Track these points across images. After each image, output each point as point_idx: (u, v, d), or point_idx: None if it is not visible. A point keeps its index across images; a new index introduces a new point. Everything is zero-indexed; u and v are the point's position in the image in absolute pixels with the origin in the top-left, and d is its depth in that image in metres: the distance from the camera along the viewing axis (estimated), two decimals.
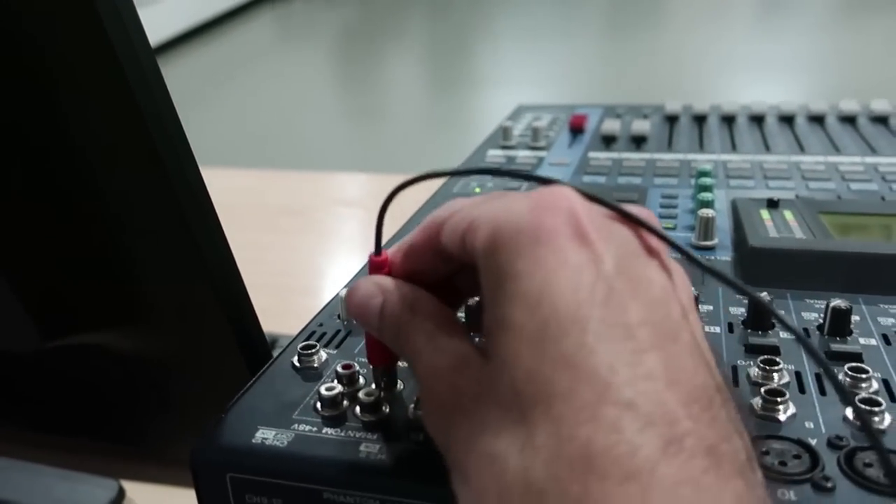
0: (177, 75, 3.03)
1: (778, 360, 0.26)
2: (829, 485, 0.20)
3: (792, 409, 0.24)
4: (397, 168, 0.84)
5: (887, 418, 0.23)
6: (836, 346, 0.27)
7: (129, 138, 0.28)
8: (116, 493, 0.45)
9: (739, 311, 0.30)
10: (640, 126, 0.57)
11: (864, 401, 0.24)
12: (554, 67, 2.75)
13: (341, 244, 0.81)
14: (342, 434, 0.24)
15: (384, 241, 0.25)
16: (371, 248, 0.24)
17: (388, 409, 0.25)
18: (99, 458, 0.45)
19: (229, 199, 0.89)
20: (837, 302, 0.29)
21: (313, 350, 0.28)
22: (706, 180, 0.42)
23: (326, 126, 2.36)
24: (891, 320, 0.29)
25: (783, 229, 0.36)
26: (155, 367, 0.36)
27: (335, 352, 0.29)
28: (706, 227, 0.37)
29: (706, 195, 0.40)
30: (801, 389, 0.25)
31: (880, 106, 0.59)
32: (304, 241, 0.80)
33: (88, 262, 0.33)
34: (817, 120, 0.59)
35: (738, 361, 0.27)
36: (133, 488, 0.47)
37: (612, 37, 3.16)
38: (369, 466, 0.23)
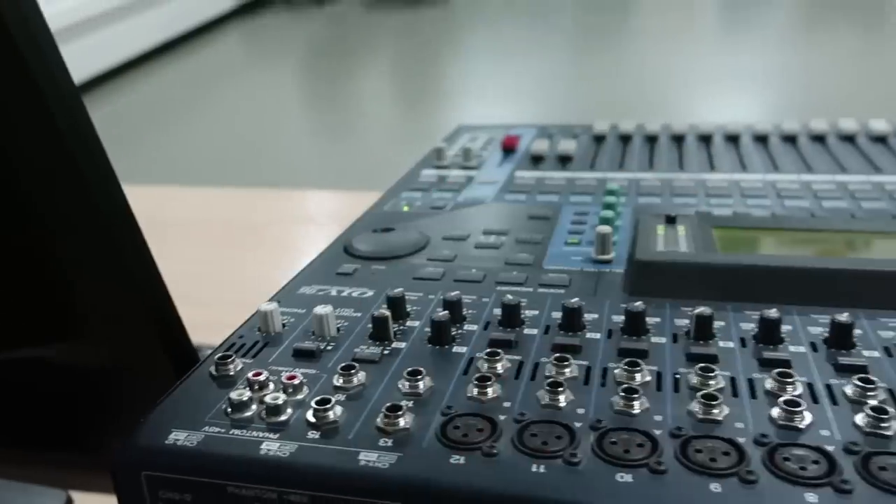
0: (145, 92, 3.04)
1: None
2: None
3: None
4: (367, 185, 0.87)
5: (725, 410, 0.27)
6: (697, 349, 0.31)
7: (53, 160, 0.30)
8: (64, 502, 0.48)
9: (750, 327, 0.33)
10: (567, 146, 0.61)
11: (705, 396, 0.27)
12: (522, 84, 2.80)
13: (296, 259, 0.83)
14: (247, 434, 0.27)
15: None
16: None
17: (290, 411, 0.28)
18: (46, 468, 0.47)
19: (191, 216, 0.91)
20: (701, 310, 0.32)
21: (229, 360, 0.31)
22: (610, 198, 0.46)
23: (295, 142, 2.38)
24: (751, 325, 0.33)
25: (671, 243, 0.40)
26: (94, 378, 0.39)
27: (251, 361, 0.32)
28: (603, 243, 0.40)
29: (607, 213, 0.43)
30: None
31: (790, 126, 0.63)
32: (260, 257, 0.83)
33: (24, 276, 0.35)
34: (733, 140, 0.63)
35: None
36: (81, 498, 0.49)
37: (581, 52, 3.22)
38: (268, 462, 0.26)
